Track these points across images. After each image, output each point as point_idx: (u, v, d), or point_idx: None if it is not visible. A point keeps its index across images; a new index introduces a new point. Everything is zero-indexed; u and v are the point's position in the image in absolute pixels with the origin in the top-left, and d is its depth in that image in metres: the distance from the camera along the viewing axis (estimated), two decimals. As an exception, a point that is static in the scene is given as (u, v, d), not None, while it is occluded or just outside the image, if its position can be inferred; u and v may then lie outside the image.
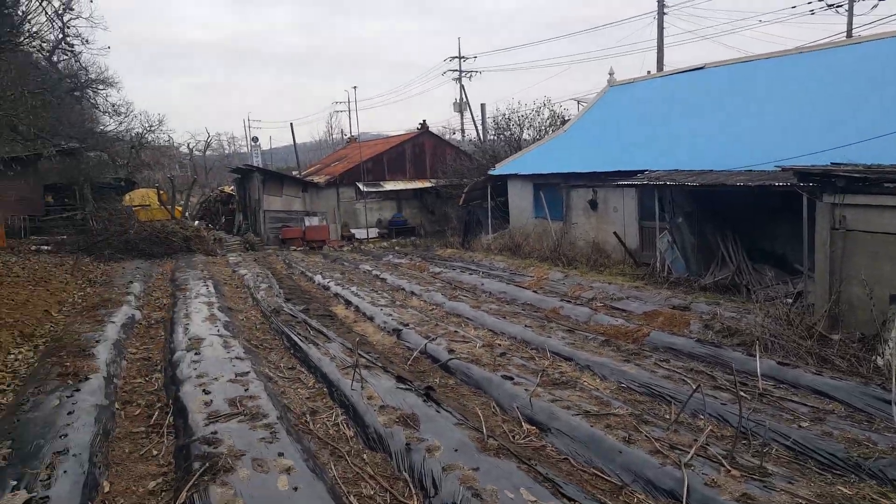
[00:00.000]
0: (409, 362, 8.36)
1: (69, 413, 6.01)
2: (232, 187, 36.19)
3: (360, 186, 28.71)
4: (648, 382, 7.03)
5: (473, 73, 42.72)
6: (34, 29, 21.51)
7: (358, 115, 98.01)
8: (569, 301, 11.62)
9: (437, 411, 6.08)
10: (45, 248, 20.89)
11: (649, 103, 19.39)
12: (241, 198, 32.42)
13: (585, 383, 7.09)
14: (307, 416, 6.43)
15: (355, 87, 51.55)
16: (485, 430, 5.58)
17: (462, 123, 45.89)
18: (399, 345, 9.35)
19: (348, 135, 46.78)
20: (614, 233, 15.53)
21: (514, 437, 5.78)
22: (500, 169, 21.28)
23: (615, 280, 13.05)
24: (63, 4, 21.93)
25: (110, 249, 20.72)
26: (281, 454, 5.09)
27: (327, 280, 15.25)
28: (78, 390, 6.67)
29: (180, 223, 25.36)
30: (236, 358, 8.07)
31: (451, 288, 13.68)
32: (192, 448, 5.32)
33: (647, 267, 14.03)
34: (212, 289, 13.95)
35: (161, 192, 29.59)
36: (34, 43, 22.73)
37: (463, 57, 42.15)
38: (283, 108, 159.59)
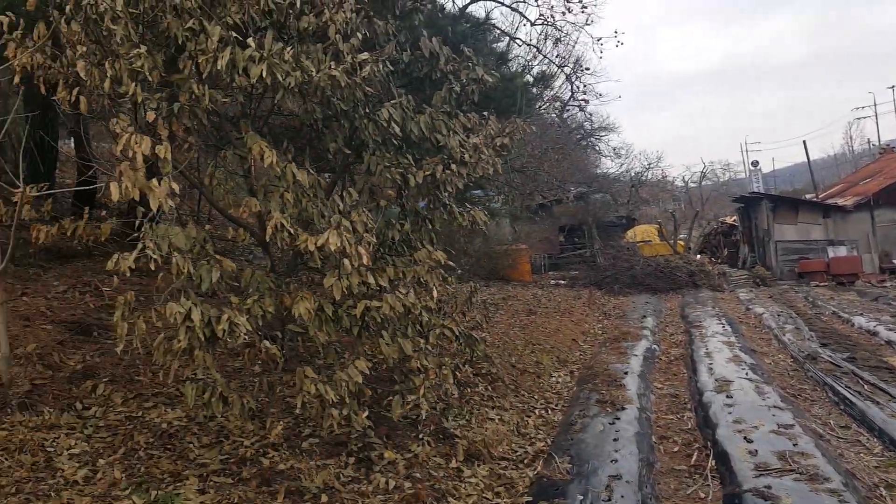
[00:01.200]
0: None
1: (614, 440, 6.64)
2: (733, 217, 35.29)
3: (906, 205, 24.03)
4: None
5: None
6: (553, 93, 26.09)
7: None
8: None
9: None
10: (561, 282, 24.36)
11: None
12: (746, 228, 31.30)
13: None
14: (881, 489, 5.52)
15: (893, 87, 43.45)
16: None
17: None
18: None
19: (878, 144, 40.07)
20: None
21: None
22: None
23: None
24: (573, 67, 26.02)
25: (618, 284, 22.71)
26: (861, 531, 4.44)
27: (872, 323, 13.09)
28: (618, 419, 7.33)
29: (683, 257, 26.04)
30: (774, 406, 7.59)
31: None
32: (744, 499, 5.17)
33: None
34: (727, 327, 13.67)
35: (661, 227, 31.06)
36: (555, 105, 27.60)
37: None
38: (785, 126, 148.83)
